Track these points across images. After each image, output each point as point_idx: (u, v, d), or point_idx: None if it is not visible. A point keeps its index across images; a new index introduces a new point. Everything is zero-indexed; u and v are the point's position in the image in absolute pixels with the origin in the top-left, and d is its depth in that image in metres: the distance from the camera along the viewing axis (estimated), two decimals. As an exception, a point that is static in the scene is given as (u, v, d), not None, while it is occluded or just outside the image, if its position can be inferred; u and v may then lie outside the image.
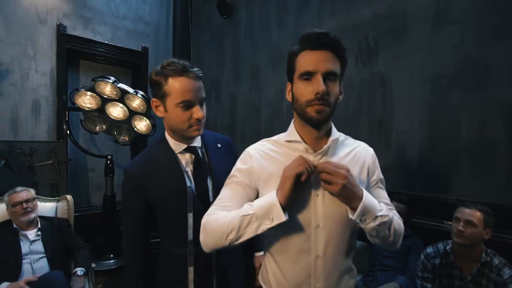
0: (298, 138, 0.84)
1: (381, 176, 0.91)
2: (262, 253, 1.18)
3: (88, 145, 3.11)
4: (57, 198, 2.13)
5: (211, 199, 1.05)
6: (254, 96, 3.11)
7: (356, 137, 0.98)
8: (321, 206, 0.80)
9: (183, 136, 1.05)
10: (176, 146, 1.06)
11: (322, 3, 2.51)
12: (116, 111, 2.76)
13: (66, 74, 2.94)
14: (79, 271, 1.72)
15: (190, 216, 1.02)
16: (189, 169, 1.07)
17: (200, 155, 1.09)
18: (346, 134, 0.96)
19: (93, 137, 3.23)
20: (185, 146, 1.06)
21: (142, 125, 2.86)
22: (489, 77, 1.78)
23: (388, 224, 0.77)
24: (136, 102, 2.72)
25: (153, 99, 1.03)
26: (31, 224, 1.79)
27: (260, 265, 1.05)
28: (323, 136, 0.84)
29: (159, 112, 1.04)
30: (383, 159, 1.67)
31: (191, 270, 1.03)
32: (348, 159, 0.85)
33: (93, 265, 1.86)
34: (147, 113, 2.79)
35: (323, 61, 0.75)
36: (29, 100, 2.74)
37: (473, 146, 1.84)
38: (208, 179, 1.07)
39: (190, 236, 1.03)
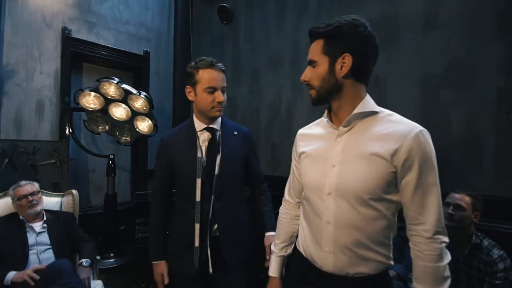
0: (326, 115, 0.96)
1: (423, 164, 0.78)
2: (272, 233, 1.34)
3: (90, 146, 3.14)
4: (61, 193, 2.17)
5: (216, 172, 1.30)
6: (254, 98, 3.21)
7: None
8: (335, 176, 0.86)
9: (207, 116, 1.31)
10: (199, 125, 1.34)
11: (320, 9, 2.65)
12: (119, 112, 2.83)
13: (70, 76, 3.01)
14: (85, 262, 1.75)
15: (198, 181, 1.26)
16: (204, 145, 1.32)
17: (217, 136, 1.34)
18: None
19: (95, 138, 3.27)
20: (205, 125, 1.32)
21: (144, 125, 2.92)
22: (476, 77, 1.91)
23: None
24: (139, 103, 2.79)
25: (187, 86, 1.31)
26: (37, 216, 1.83)
27: (270, 244, 1.25)
28: (349, 112, 0.88)
29: (191, 97, 1.32)
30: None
31: (197, 226, 1.25)
32: (375, 135, 0.83)
33: (98, 257, 1.90)
34: (149, 114, 2.86)
35: (309, 53, 0.91)
36: (33, 100, 2.78)
37: (463, 141, 1.95)
38: (218, 156, 1.31)
39: (198, 197, 1.26)
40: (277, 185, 2.97)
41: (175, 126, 3.64)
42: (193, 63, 1.29)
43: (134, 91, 2.72)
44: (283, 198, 1.17)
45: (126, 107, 2.81)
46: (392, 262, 0.91)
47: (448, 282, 0.81)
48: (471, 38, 1.92)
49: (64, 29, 2.92)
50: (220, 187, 1.29)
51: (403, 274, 1.73)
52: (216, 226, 1.29)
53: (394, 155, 0.79)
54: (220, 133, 1.35)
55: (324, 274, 0.89)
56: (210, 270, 1.27)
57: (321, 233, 0.89)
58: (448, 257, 0.83)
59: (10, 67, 2.66)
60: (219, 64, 1.29)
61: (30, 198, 1.80)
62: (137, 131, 2.93)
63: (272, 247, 1.13)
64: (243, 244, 1.36)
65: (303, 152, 0.99)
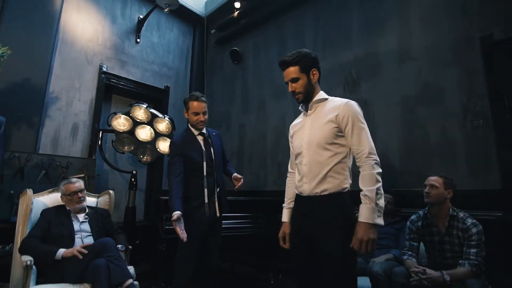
0: (301, 107, 1.52)
1: (351, 118, 1.32)
2: (235, 174, 2.16)
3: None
4: (97, 194, 2.46)
5: (212, 156, 2.07)
6: (260, 124, 3.67)
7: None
8: (307, 137, 1.42)
9: (195, 128, 2.10)
10: (194, 131, 2.12)
11: (315, 49, 3.24)
12: (144, 133, 3.23)
13: (101, 104, 3.47)
14: (120, 246, 1.99)
15: (204, 163, 2.02)
16: (202, 143, 2.09)
17: (207, 137, 2.12)
18: None
19: (116, 159, 3.62)
20: (198, 132, 2.11)
21: (165, 145, 3.30)
22: (443, 95, 2.39)
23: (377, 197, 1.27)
24: (163, 125, 3.22)
25: (185, 110, 2.11)
26: (81, 210, 2.10)
27: (235, 176, 2.13)
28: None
29: (186, 115, 2.11)
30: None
31: (205, 190, 1.98)
32: (326, 110, 1.40)
33: (130, 246, 2.13)
34: (171, 135, 3.27)
35: (286, 75, 1.45)
36: (70, 122, 3.20)
37: (439, 147, 2.36)
38: (211, 148, 2.10)
39: (205, 172, 2.00)
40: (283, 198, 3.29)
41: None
42: (188, 96, 2.12)
43: (159, 114, 3.16)
44: (288, 172, 1.66)
45: (151, 129, 3.22)
46: (346, 185, 1.36)
47: (379, 185, 1.28)
48: (436, 66, 2.45)
49: (101, 66, 3.47)
50: (217, 165, 2.09)
51: (399, 256, 1.99)
52: (218, 189, 2.05)
53: (336, 117, 1.36)
54: (207, 135, 2.14)
55: (304, 198, 1.39)
56: (218, 214, 2.01)
57: (302, 173, 1.41)
58: (378, 170, 1.30)
59: (55, 95, 3.13)
60: (202, 97, 2.07)
61: (80, 194, 2.08)
62: (157, 151, 3.29)
63: (284, 204, 1.61)
64: (226, 195, 2.16)
65: (293, 133, 1.56)
